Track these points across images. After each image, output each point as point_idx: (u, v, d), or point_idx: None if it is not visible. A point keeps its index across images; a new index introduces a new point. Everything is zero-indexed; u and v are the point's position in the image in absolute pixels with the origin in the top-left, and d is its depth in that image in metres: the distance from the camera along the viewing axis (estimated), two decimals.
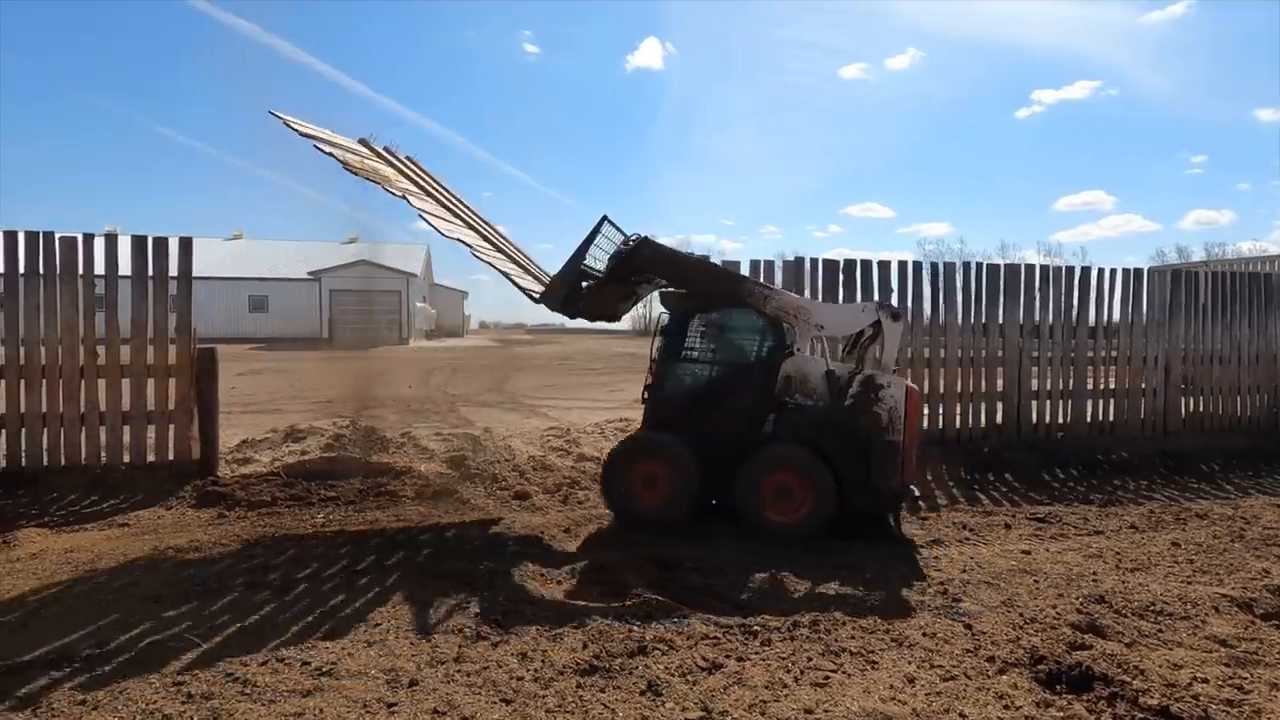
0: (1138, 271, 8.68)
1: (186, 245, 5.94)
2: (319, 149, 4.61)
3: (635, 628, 3.24)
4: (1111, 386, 8.57)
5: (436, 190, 5.99)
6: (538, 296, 4.95)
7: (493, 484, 6.10)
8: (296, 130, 4.68)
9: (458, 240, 4.93)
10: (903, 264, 7.78)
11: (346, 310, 37.16)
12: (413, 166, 5.92)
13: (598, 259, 4.95)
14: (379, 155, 5.62)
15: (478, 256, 5.09)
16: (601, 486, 5.15)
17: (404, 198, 4.79)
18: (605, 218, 4.94)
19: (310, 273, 37.38)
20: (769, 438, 4.84)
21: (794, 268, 7.39)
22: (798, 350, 5.04)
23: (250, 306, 37.92)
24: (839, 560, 4.32)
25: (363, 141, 5.66)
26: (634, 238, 5.03)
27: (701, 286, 5.08)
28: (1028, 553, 4.59)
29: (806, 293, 7.41)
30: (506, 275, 5.11)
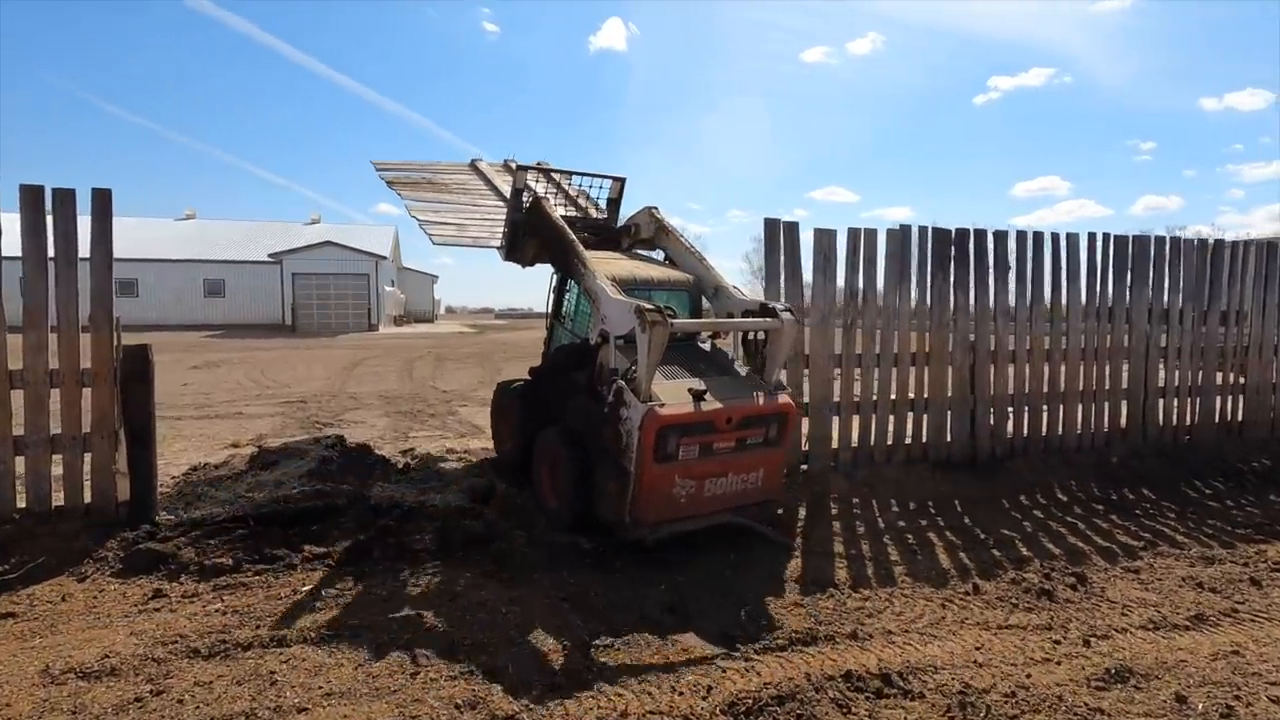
0: (1271, 245, 7.40)
1: (104, 201, 4.20)
2: (383, 179, 6.04)
3: None
4: (1241, 381, 7.32)
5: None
6: (497, 247, 5.54)
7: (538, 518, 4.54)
8: (383, 176, 6.03)
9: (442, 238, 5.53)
10: (1021, 234, 6.36)
11: (310, 295, 34.75)
12: (526, 169, 5.77)
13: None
14: (478, 170, 6.66)
15: (447, 242, 5.56)
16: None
17: (409, 212, 5.68)
18: (521, 170, 5.36)
19: (270, 255, 34.85)
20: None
21: (899, 237, 5.90)
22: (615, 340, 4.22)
23: (205, 291, 35.24)
24: (1115, 665, 2.87)
25: (473, 164, 6.78)
26: (529, 199, 5.22)
27: (555, 252, 4.96)
28: None
29: (914, 269, 5.95)
30: (476, 244, 5.62)
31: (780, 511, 4.98)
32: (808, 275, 5.64)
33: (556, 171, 5.82)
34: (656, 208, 5.38)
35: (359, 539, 4.18)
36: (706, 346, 4.76)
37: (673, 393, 3.95)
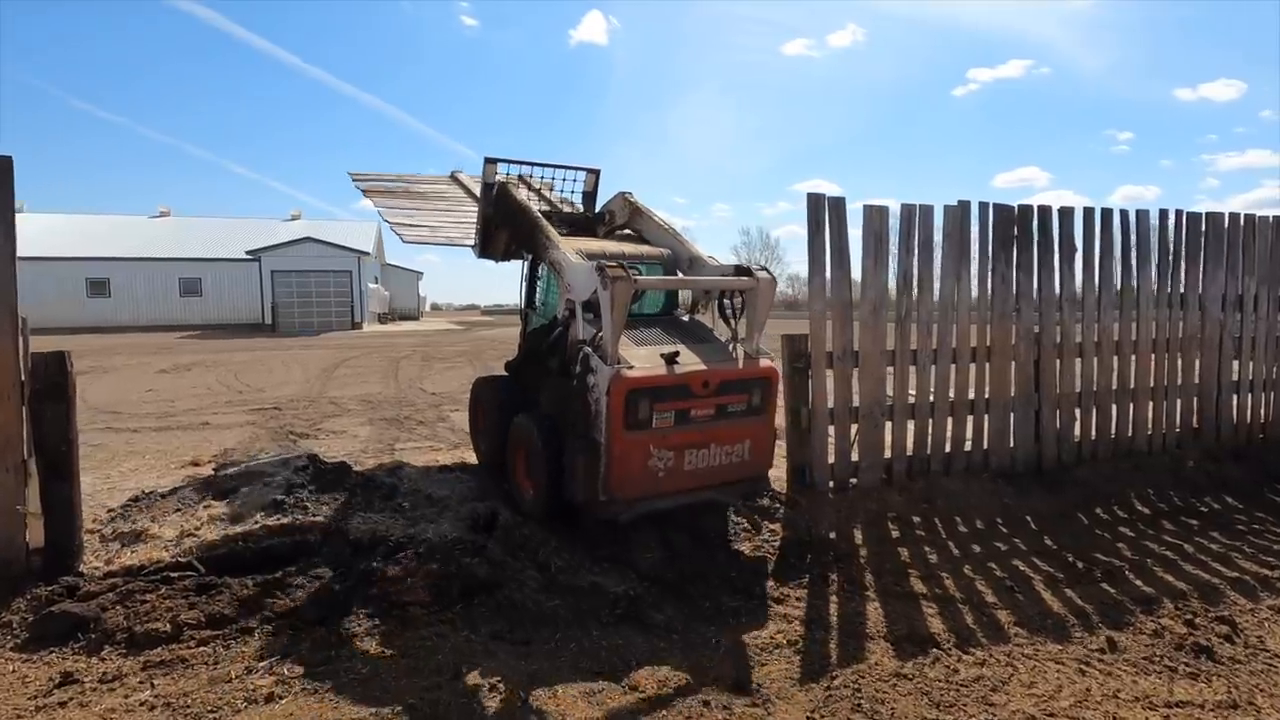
0: None
1: (2, 171, 3.35)
2: (359, 189, 6.02)
3: None
4: None
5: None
6: (471, 246, 5.38)
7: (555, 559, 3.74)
8: (359, 186, 5.98)
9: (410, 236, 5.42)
10: (1089, 211, 5.61)
11: (291, 293, 33.56)
12: (495, 162, 5.25)
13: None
14: (458, 181, 6.51)
15: (419, 240, 5.45)
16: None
17: (382, 218, 5.64)
18: (491, 164, 4.99)
19: (248, 252, 33.62)
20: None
21: (956, 214, 5.15)
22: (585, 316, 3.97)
23: (181, 290, 33.94)
24: None
25: (453, 175, 6.62)
26: (496, 182, 5.00)
27: (521, 233, 4.74)
28: None
29: (975, 249, 5.22)
30: (450, 242, 5.50)
31: (836, 536, 4.22)
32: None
33: (528, 164, 5.47)
34: (630, 192, 5.12)
35: (334, 589, 3.37)
36: (685, 319, 4.61)
37: (645, 358, 3.75)
